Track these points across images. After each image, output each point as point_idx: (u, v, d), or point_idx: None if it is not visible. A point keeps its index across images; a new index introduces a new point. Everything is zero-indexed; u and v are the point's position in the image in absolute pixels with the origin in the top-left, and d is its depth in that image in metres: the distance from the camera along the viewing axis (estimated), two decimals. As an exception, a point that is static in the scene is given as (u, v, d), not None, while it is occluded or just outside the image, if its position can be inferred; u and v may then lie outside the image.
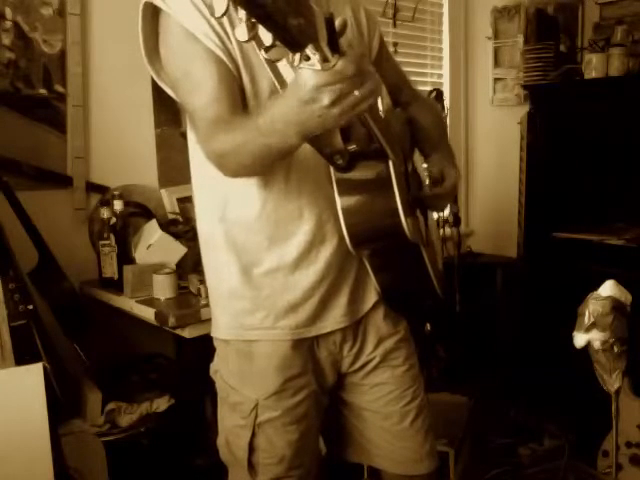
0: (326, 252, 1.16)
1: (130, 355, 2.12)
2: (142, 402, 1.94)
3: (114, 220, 1.95)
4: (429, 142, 1.37)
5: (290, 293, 1.16)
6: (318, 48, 0.73)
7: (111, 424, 1.88)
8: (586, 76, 2.84)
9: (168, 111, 2.28)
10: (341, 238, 1.13)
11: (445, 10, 3.44)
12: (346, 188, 1.09)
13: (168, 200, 2.26)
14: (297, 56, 0.73)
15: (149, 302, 1.84)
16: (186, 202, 2.22)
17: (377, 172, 1.08)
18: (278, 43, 0.68)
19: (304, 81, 0.80)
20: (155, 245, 1.96)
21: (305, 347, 1.20)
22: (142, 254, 1.96)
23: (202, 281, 1.77)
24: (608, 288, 1.75)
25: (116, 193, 2.04)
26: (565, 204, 2.93)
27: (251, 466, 1.21)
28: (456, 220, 3.08)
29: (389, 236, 1.10)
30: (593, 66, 2.79)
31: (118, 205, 1.98)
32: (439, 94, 2.96)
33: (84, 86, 2.14)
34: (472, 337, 3.05)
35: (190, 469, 1.92)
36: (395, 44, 3.11)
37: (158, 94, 2.18)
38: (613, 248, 2.68)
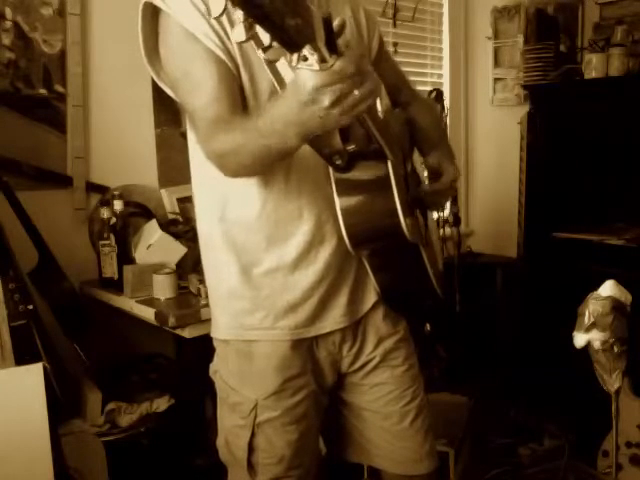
0: (325, 252, 1.16)
1: (130, 355, 2.12)
2: (142, 402, 1.94)
3: (114, 220, 1.95)
4: (428, 142, 1.37)
5: (289, 293, 1.16)
6: (316, 48, 0.73)
7: (111, 424, 1.88)
8: (586, 76, 2.83)
9: (168, 111, 2.28)
10: (340, 238, 1.13)
11: (445, 10, 3.44)
12: (345, 188, 1.09)
13: (168, 200, 2.26)
14: (295, 56, 0.73)
15: (149, 302, 1.84)
16: (186, 202, 2.23)
17: (376, 172, 1.08)
18: (275, 43, 0.68)
19: (303, 82, 0.79)
20: (155, 245, 1.96)
21: (304, 347, 1.20)
22: (142, 254, 1.96)
23: (202, 281, 1.76)
24: (608, 288, 1.75)
25: (116, 193, 2.04)
26: (565, 204, 2.93)
27: (250, 466, 1.21)
28: (456, 220, 3.08)
29: (388, 236, 1.10)
30: (593, 66, 2.79)
31: (118, 205, 1.98)
32: (439, 94, 2.96)
33: (84, 86, 2.14)
34: (472, 337, 3.05)
35: (190, 469, 1.92)
36: (395, 44, 3.11)
37: (158, 94, 2.18)
38: (613, 248, 2.67)
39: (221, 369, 1.24)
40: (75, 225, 2.14)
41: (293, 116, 0.85)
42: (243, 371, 1.20)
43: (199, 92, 1.04)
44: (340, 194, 1.10)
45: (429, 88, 3.13)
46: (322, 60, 0.75)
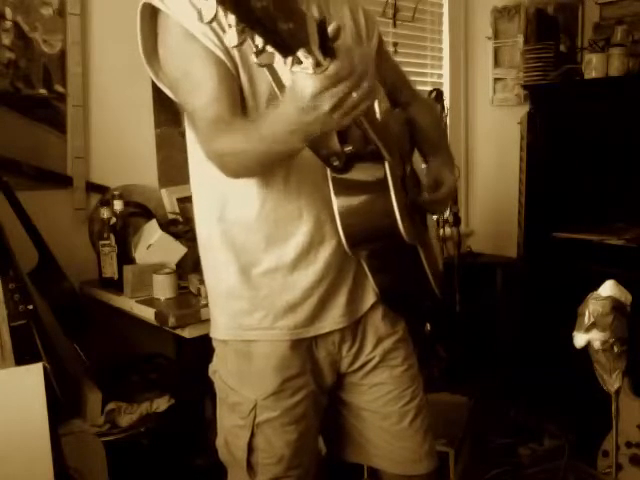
0: (325, 252, 1.16)
1: (130, 355, 2.13)
2: (142, 402, 1.94)
3: (114, 220, 1.95)
4: (428, 143, 1.37)
5: (289, 293, 1.16)
6: (310, 52, 0.73)
7: (111, 424, 1.89)
8: (586, 76, 2.83)
9: (168, 111, 2.28)
10: (340, 238, 1.13)
11: (445, 10, 3.44)
12: (342, 189, 1.09)
13: (168, 200, 2.26)
14: (289, 60, 0.73)
15: (149, 302, 1.84)
16: (186, 202, 2.22)
17: (373, 173, 1.08)
18: (269, 47, 0.68)
19: (301, 89, 0.79)
20: (155, 245, 1.96)
21: (304, 347, 1.20)
22: (142, 254, 1.96)
23: (202, 281, 1.76)
24: (608, 288, 1.75)
25: (116, 193, 2.04)
26: (565, 204, 2.93)
27: (250, 466, 1.21)
28: (456, 220, 3.08)
29: (386, 237, 1.10)
30: (593, 66, 2.79)
31: (118, 205, 1.99)
32: (439, 94, 2.96)
33: (84, 86, 2.14)
34: (472, 337, 3.05)
35: (190, 469, 1.92)
36: (395, 44, 3.11)
37: (158, 94, 2.17)
38: (613, 248, 2.67)
39: (220, 369, 1.24)
40: (75, 225, 2.14)
41: (293, 121, 0.85)
42: (242, 371, 1.20)
43: (199, 92, 1.04)
44: (338, 195, 1.10)
45: (429, 88, 3.13)
46: (317, 64, 0.75)
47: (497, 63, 3.41)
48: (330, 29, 0.76)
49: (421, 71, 3.36)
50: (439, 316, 2.88)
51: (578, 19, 3.14)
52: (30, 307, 1.62)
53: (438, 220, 2.91)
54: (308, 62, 0.74)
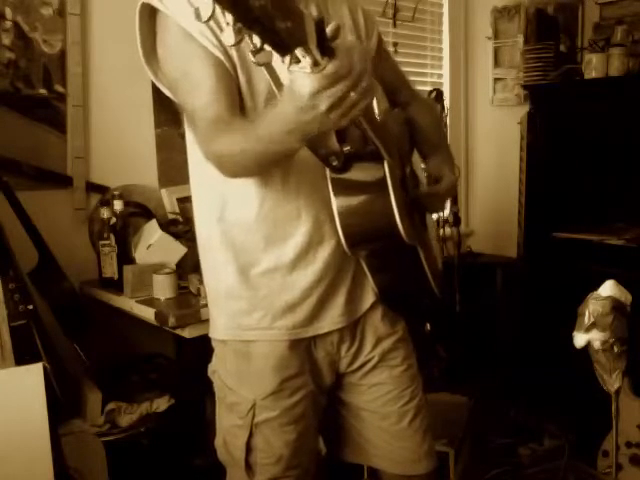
0: (324, 252, 1.16)
1: (130, 355, 2.13)
2: (142, 402, 1.94)
3: (114, 220, 1.95)
4: (428, 143, 1.37)
5: (288, 293, 1.16)
6: (308, 51, 0.73)
7: (111, 424, 1.89)
8: (586, 76, 2.83)
9: (168, 111, 2.28)
10: (339, 238, 1.13)
11: (445, 10, 3.43)
12: (341, 189, 1.09)
13: (168, 200, 2.26)
14: (287, 59, 0.73)
15: (149, 302, 1.84)
16: (186, 202, 2.22)
17: (372, 173, 1.08)
18: (266, 46, 0.68)
19: (299, 88, 0.79)
20: (155, 245, 1.96)
21: (302, 347, 1.20)
22: (142, 254, 1.96)
23: (202, 281, 1.75)
24: (608, 288, 1.75)
25: (116, 193, 2.04)
26: (565, 204, 2.93)
27: (248, 466, 1.21)
28: (456, 220, 3.08)
29: (385, 237, 1.10)
30: (593, 66, 2.79)
31: (118, 205, 1.99)
32: (439, 94, 2.96)
33: (84, 86, 2.14)
34: (472, 337, 3.05)
35: (190, 469, 1.92)
36: (395, 44, 3.11)
37: (158, 94, 2.13)
38: (613, 248, 2.67)
39: (219, 369, 1.24)
40: (75, 225, 2.14)
41: (290, 120, 0.85)
42: (241, 371, 1.20)
43: (198, 92, 1.04)
44: (337, 195, 1.10)
45: (429, 88, 3.13)
46: (315, 63, 0.75)
47: (497, 63, 3.41)
48: (330, 29, 0.76)
49: (421, 71, 3.36)
50: (439, 316, 2.88)
51: (578, 19, 3.14)
52: (30, 307, 1.62)
53: (438, 220, 2.91)
54: (306, 61, 0.74)
